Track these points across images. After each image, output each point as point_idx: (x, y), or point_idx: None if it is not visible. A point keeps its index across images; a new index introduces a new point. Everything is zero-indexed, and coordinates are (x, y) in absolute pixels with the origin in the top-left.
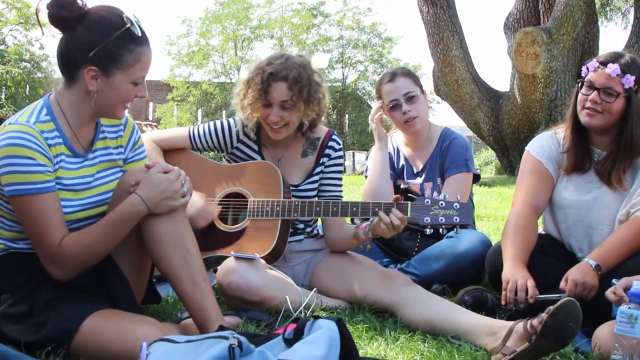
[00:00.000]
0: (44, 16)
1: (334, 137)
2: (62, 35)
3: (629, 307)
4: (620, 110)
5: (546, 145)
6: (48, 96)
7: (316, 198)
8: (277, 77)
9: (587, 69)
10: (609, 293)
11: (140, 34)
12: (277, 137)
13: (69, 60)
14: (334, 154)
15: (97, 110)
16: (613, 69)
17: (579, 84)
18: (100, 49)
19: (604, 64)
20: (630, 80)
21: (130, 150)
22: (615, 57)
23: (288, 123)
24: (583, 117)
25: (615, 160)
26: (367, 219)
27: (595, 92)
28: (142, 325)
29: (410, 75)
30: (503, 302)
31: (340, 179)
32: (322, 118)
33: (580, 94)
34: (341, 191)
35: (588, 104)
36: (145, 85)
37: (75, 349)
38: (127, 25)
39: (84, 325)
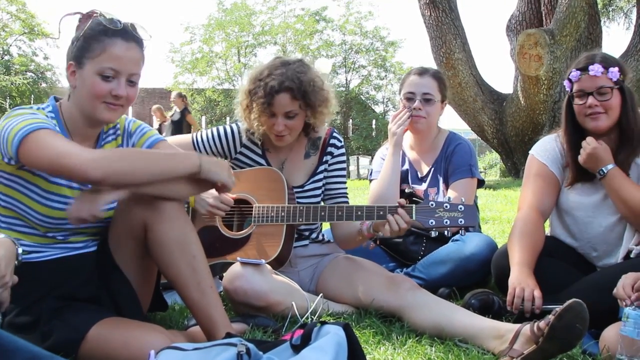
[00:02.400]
0: (47, 26)
1: (334, 134)
2: None
3: (633, 309)
4: (619, 103)
5: (550, 148)
6: (54, 98)
7: (322, 197)
8: (281, 89)
9: (571, 81)
10: (618, 287)
11: (111, 27)
12: (281, 145)
13: (65, 62)
14: (336, 152)
15: (80, 111)
16: (596, 69)
17: (567, 100)
18: (76, 43)
19: (584, 69)
20: (614, 72)
21: (130, 137)
22: (591, 58)
23: (292, 131)
24: (589, 124)
25: (616, 158)
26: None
27: (590, 97)
28: (148, 333)
29: (440, 79)
30: (508, 308)
31: (344, 176)
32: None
33: (575, 107)
34: (346, 188)
35: (588, 111)
36: (121, 83)
37: (82, 357)
38: (96, 16)
39: (90, 333)
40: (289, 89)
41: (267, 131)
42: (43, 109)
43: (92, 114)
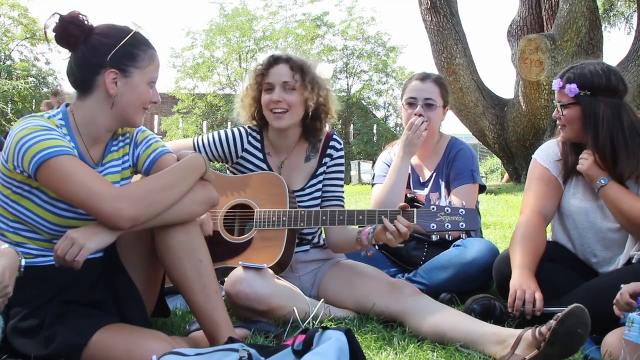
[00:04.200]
0: (50, 32)
1: (334, 137)
2: (71, 52)
3: (638, 314)
4: (577, 119)
5: (553, 153)
6: (65, 105)
7: (320, 200)
8: (279, 60)
9: None
10: (617, 297)
11: (147, 39)
12: (280, 125)
13: (88, 68)
14: (336, 154)
15: (118, 117)
16: (555, 84)
17: None
18: (118, 50)
19: None
20: (572, 88)
21: (136, 149)
22: (563, 73)
23: (290, 108)
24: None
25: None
26: (372, 225)
27: (556, 109)
28: (150, 339)
29: (442, 85)
30: (509, 310)
31: (342, 179)
32: (327, 120)
33: None
34: (342, 192)
35: (558, 121)
36: (156, 90)
37: None
38: (137, 28)
39: (93, 339)
40: (287, 60)
41: (266, 111)
42: (54, 116)
43: (133, 119)
